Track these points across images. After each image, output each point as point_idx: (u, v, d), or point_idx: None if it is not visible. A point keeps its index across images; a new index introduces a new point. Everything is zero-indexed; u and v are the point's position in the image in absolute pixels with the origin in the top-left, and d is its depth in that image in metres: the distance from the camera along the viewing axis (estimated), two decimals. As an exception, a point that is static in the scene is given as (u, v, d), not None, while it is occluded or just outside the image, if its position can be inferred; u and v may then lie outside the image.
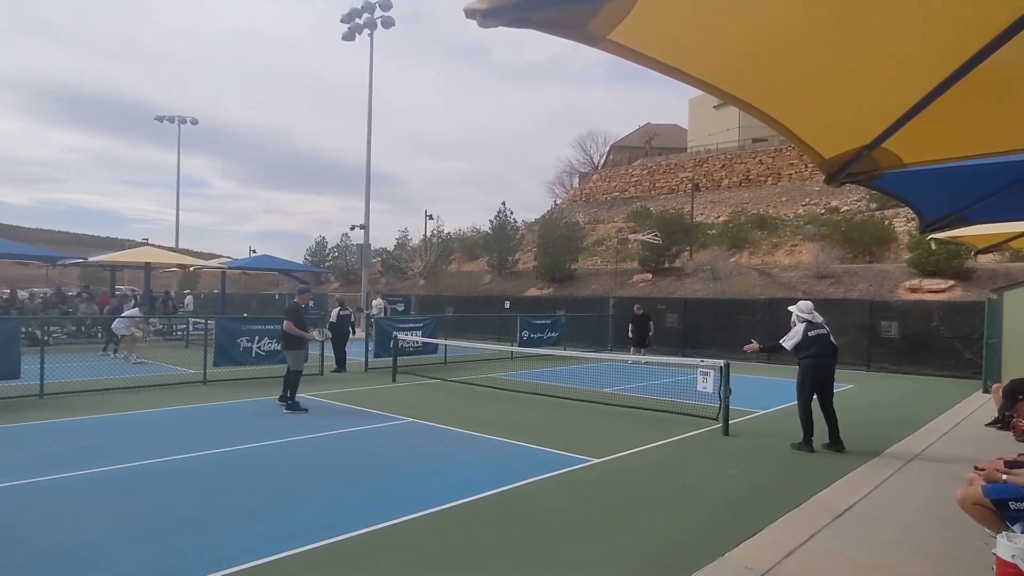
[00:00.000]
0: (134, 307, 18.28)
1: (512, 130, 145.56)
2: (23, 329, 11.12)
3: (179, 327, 22.07)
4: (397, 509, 5.17)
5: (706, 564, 4.19)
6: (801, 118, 2.49)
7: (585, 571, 4.16)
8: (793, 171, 44.69)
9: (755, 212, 38.24)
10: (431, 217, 55.48)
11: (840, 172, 2.91)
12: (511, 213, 39.80)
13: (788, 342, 7.75)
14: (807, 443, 7.56)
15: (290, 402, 9.54)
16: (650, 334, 17.48)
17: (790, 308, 8.04)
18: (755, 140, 49.25)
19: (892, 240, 27.86)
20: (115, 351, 16.52)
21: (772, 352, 8.67)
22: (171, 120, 41.02)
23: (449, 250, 44.53)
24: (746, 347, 8.37)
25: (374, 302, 23.72)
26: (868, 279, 24.21)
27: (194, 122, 41.62)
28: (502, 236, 38.70)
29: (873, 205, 32.56)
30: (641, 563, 4.32)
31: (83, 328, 19.19)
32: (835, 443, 7.56)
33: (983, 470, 4.06)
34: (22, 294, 24.48)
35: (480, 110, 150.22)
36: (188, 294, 33.61)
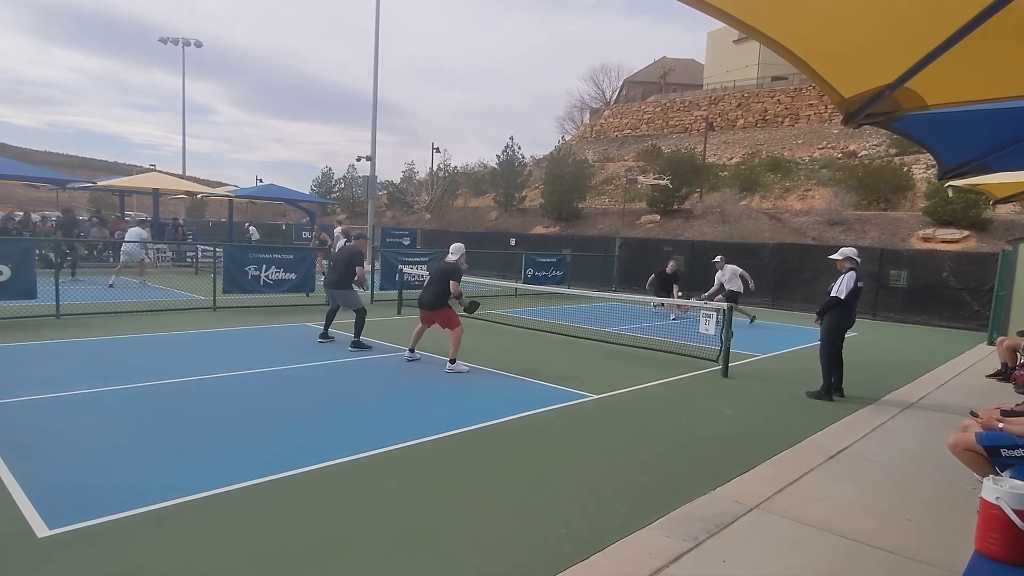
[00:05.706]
0: (137, 228, 18.17)
1: (523, 60, 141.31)
2: (36, 251, 11.22)
3: (188, 254, 22.23)
4: (401, 435, 5.33)
5: (696, 497, 4.33)
6: (823, 54, 2.40)
7: (574, 493, 4.31)
8: (812, 112, 43.45)
9: (770, 154, 37.43)
10: (438, 150, 54.67)
11: (859, 112, 2.83)
12: (519, 148, 39.23)
13: (841, 292, 7.28)
14: (827, 392, 7.45)
15: (358, 340, 9.28)
16: (678, 294, 14.92)
17: (834, 256, 7.59)
18: (775, 78, 47.62)
19: (909, 187, 27.31)
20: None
21: (828, 311, 7.45)
22: (175, 42, 40.01)
23: (456, 185, 44.09)
24: (815, 322, 7.74)
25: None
26: (881, 227, 23.90)
27: (198, 45, 40.59)
28: (509, 172, 38.20)
29: (893, 150, 31.78)
30: (631, 492, 4.44)
31: (95, 252, 19.33)
32: (837, 390, 7.60)
33: (978, 417, 4.12)
34: (34, 216, 24.56)
35: (491, 37, 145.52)
36: (250, 224, 30.91)
